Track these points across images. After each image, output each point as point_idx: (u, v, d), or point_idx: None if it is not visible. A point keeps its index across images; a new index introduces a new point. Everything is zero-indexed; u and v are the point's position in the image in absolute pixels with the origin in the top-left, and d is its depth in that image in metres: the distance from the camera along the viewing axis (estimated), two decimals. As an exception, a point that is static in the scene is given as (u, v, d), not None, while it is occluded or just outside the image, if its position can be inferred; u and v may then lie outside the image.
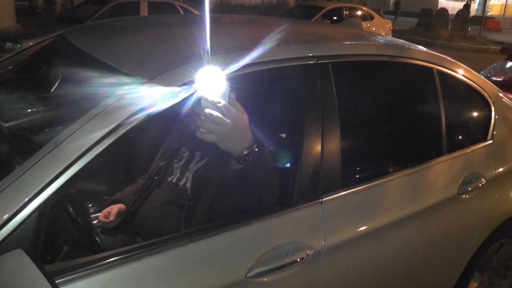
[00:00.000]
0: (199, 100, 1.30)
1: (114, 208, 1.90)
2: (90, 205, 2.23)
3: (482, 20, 20.10)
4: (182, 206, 1.73)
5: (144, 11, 8.97)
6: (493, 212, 2.39)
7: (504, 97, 2.63)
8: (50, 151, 1.25)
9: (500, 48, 8.48)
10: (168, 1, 9.61)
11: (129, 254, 1.30)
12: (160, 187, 1.88)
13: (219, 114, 1.29)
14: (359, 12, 13.83)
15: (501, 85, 3.72)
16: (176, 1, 9.68)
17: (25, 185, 1.20)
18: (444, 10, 19.50)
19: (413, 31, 18.98)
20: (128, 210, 1.92)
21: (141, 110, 1.33)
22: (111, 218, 1.86)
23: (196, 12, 9.11)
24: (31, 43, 2.26)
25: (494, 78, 6.21)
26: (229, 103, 1.30)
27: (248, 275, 1.46)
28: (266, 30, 2.09)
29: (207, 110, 1.28)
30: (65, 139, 1.27)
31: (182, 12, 9.26)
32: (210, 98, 1.28)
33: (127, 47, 1.76)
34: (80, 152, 1.25)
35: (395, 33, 15.53)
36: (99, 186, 2.31)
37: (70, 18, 9.05)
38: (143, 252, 1.32)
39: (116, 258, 1.29)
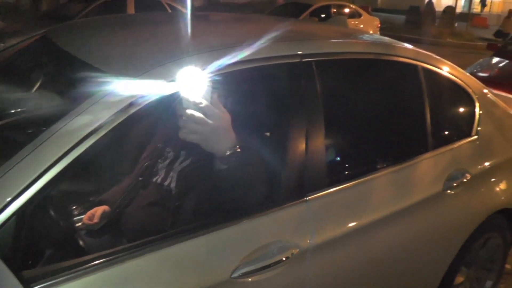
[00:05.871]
0: (180, 101, 1.29)
1: (99, 210, 1.87)
2: (74, 207, 2.21)
3: (469, 16, 20.25)
4: (167, 207, 1.71)
5: (131, 9, 8.90)
6: (479, 207, 2.41)
7: (489, 93, 2.65)
8: (30, 152, 1.23)
9: (486, 44, 8.57)
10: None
11: (111, 257, 1.29)
12: (145, 188, 1.86)
13: (201, 115, 1.28)
14: (346, 10, 13.85)
15: (487, 81, 3.75)
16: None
17: (3, 188, 1.18)
18: (431, 6, 19.56)
19: (401, 28, 19.03)
20: (113, 212, 1.90)
21: (121, 111, 1.32)
22: (95, 220, 1.84)
23: (184, 10, 9.06)
24: (15, 42, 2.23)
25: (480, 74, 6.26)
26: (211, 103, 1.29)
27: (233, 275, 1.45)
28: (250, 29, 2.08)
29: (189, 111, 1.27)
30: (45, 140, 1.26)
31: (169, 10, 9.21)
32: (191, 99, 1.26)
33: (108, 47, 1.74)
34: (61, 153, 1.24)
35: (383, 30, 15.56)
36: (84, 187, 2.28)
37: (56, 16, 8.95)
38: (126, 254, 1.31)
39: (98, 261, 1.27)
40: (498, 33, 15.65)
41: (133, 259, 1.31)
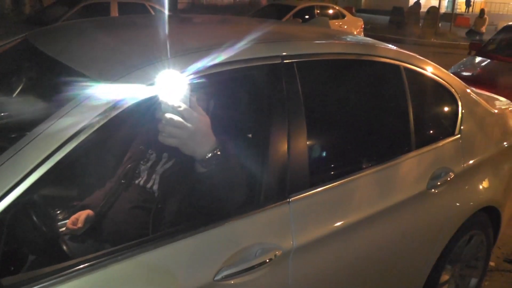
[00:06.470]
0: (159, 105, 1.28)
1: (82, 215, 1.86)
2: (58, 211, 2.19)
3: (452, 17, 20.50)
4: (150, 210, 1.71)
5: (114, 11, 8.86)
6: (462, 205, 2.43)
7: (472, 93, 2.68)
8: (11, 156, 1.22)
9: (469, 43, 8.71)
10: (138, 1, 9.52)
11: (94, 261, 1.28)
12: (128, 191, 1.85)
13: (179, 119, 1.27)
14: (330, 11, 13.92)
15: (470, 80, 3.79)
16: (147, 1, 9.59)
17: None
18: (417, 6, 19.74)
19: (385, 29, 19.20)
20: (96, 216, 1.88)
21: (103, 113, 1.31)
22: (79, 224, 1.82)
23: (168, 12, 9.03)
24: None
25: (463, 73, 6.34)
26: (190, 106, 1.29)
27: (216, 278, 1.45)
28: (231, 30, 2.08)
29: (168, 115, 1.27)
30: (27, 143, 1.24)
31: (152, 13, 9.18)
32: (170, 103, 1.26)
33: (90, 50, 1.73)
34: (43, 157, 1.23)
35: (367, 30, 15.67)
36: (68, 191, 2.26)
37: (39, 20, 8.88)
38: (109, 259, 1.30)
39: (81, 266, 1.26)
40: (470, 32, 15.84)
41: (116, 264, 1.30)
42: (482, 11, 16.39)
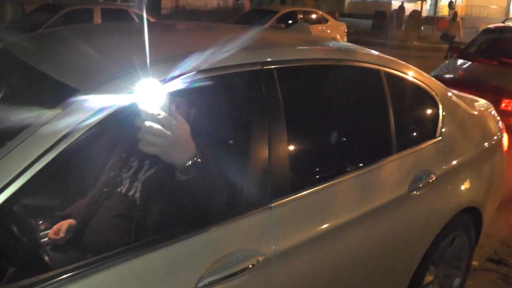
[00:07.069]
0: (139, 113, 1.28)
1: (64, 224, 1.84)
2: (40, 221, 2.16)
3: (434, 20, 20.78)
4: (132, 218, 1.70)
5: (97, 18, 8.83)
6: (444, 206, 2.46)
7: (453, 96, 2.72)
8: None
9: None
10: (121, 8, 9.50)
11: (75, 272, 1.27)
12: (110, 199, 1.84)
13: (159, 127, 1.28)
14: (313, 16, 14.01)
15: (452, 82, 3.82)
16: (130, 7, 9.56)
17: None
18: (400, 11, 19.95)
19: (368, 33, 19.39)
20: (78, 225, 1.87)
21: (83, 122, 1.31)
22: (61, 234, 1.81)
23: (151, 19, 9.00)
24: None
25: (445, 76, 6.43)
26: (169, 114, 1.29)
27: (198, 285, 1.45)
28: (211, 37, 2.08)
29: (147, 123, 1.27)
30: (5, 154, 1.23)
31: (136, 19, 9.15)
32: (149, 111, 1.26)
33: (69, 58, 1.72)
34: (23, 166, 1.22)
35: (350, 35, 15.80)
36: (50, 200, 2.24)
37: (21, 26, 8.81)
38: (90, 269, 1.29)
39: (63, 277, 1.25)
40: (444, 36, 16.06)
41: (98, 273, 1.29)
42: (455, 14, 16.64)
